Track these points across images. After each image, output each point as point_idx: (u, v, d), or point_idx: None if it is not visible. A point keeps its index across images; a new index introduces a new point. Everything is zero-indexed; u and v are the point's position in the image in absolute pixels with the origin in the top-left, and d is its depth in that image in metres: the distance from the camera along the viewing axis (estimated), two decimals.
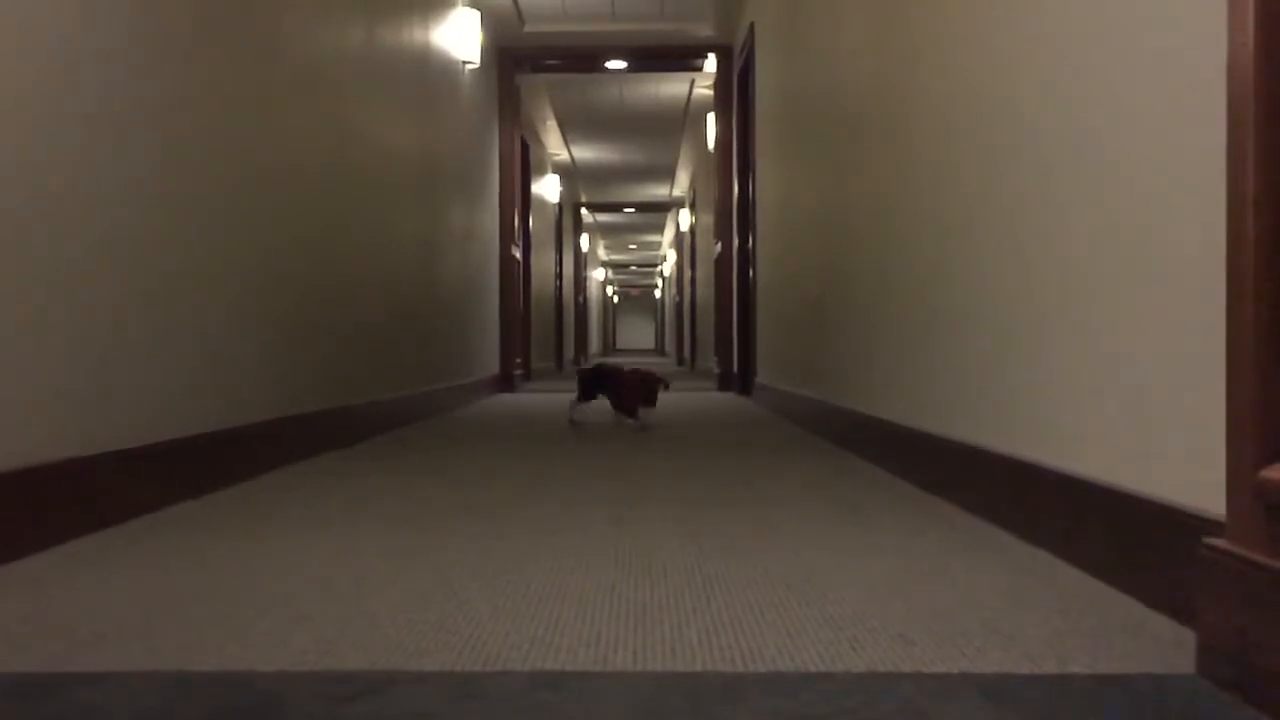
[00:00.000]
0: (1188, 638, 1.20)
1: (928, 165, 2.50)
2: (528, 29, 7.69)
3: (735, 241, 7.59)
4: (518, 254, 8.40)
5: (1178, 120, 1.33)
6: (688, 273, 16.71)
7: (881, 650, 1.17)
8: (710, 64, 8.14)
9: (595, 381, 4.48)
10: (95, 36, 2.03)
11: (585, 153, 13.12)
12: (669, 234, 22.12)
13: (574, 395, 4.83)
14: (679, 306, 20.43)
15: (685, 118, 11.05)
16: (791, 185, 4.93)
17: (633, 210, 18.39)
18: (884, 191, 2.96)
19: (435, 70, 5.59)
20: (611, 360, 10.30)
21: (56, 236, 1.88)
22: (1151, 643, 1.20)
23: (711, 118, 8.86)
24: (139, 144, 2.20)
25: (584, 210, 17.92)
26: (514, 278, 8.20)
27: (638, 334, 44.80)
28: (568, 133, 11.78)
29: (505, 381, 7.94)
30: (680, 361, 18.88)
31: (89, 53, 2.00)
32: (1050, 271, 1.75)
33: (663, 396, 6.62)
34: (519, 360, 8.54)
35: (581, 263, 18.98)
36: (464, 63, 6.44)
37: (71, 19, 1.94)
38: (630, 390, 4.43)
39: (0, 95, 1.72)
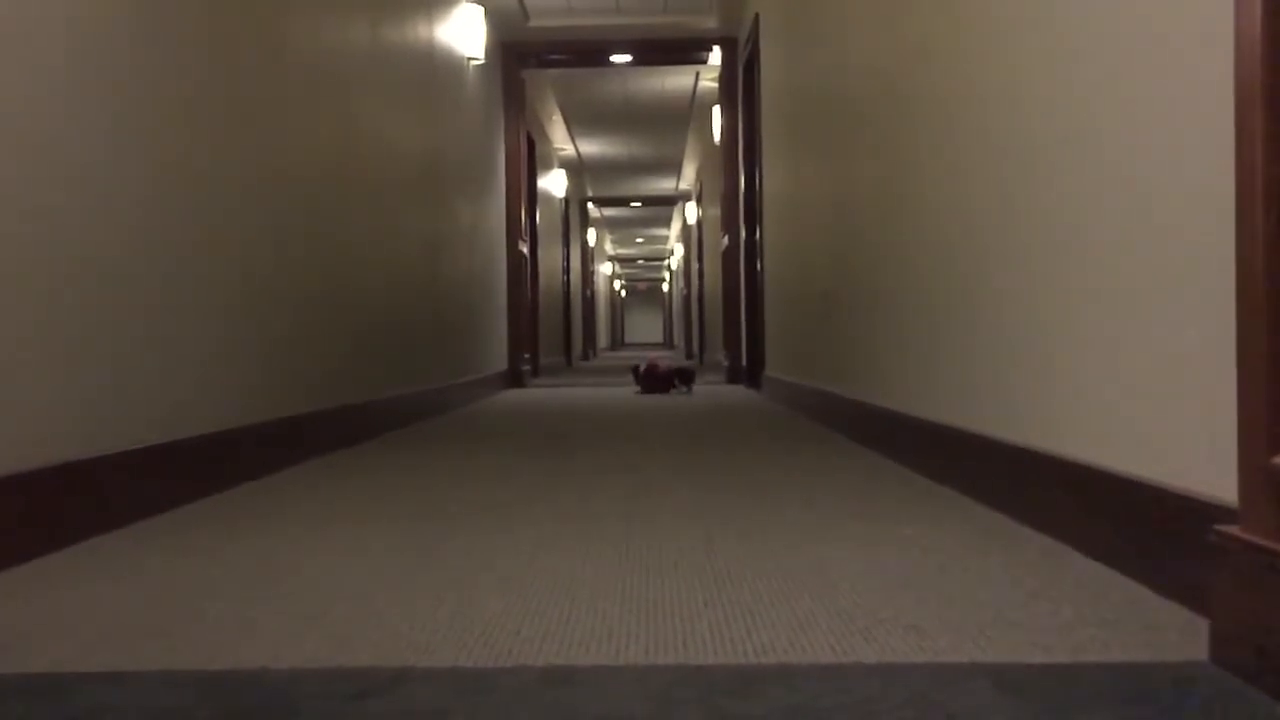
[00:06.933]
0: (1201, 625, 1.19)
1: (934, 155, 2.49)
2: (532, 24, 7.68)
3: (742, 234, 7.58)
4: (524, 249, 8.40)
5: (1187, 104, 1.33)
6: (695, 266, 16.70)
7: (893, 641, 1.17)
8: (715, 57, 8.12)
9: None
10: (105, 36, 2.03)
11: (591, 147, 13.11)
12: (676, 228, 22.10)
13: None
14: (687, 300, 20.41)
15: (691, 111, 11.04)
16: (798, 177, 4.92)
17: (639, 204, 18.38)
18: (891, 182, 2.95)
19: (440, 67, 5.59)
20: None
21: (64, 238, 1.89)
22: (1164, 631, 1.19)
23: (717, 111, 8.84)
24: (144, 145, 2.20)
25: (591, 205, 17.91)
26: (521, 273, 8.20)
27: (646, 328, 44.79)
28: (573, 127, 11.78)
29: (513, 377, 7.94)
30: (689, 355, 18.87)
31: (100, 52, 2.01)
32: (1052, 264, 1.74)
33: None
34: (527, 356, 8.54)
35: (589, 257, 18.97)
36: (469, 59, 6.44)
37: (79, 19, 1.95)
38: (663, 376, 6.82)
39: (7, 99, 1.73)
